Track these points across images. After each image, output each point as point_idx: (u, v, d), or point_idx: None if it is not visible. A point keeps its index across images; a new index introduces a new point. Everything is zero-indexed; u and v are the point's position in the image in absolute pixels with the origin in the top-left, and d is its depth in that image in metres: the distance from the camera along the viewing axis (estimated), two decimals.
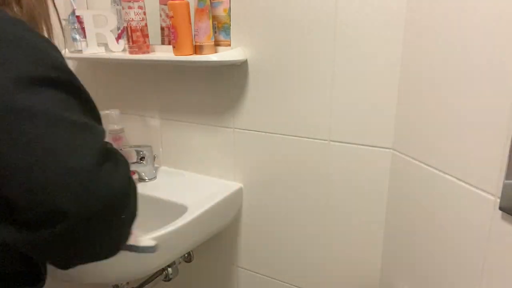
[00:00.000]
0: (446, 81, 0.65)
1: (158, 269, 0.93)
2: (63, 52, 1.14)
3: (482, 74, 0.58)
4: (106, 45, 1.08)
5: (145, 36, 1.02)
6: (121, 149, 1.11)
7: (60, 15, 1.19)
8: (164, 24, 1.04)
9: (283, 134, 0.95)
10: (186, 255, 1.16)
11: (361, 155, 0.86)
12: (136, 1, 0.98)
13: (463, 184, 0.63)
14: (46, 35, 0.64)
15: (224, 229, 1.11)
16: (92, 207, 0.46)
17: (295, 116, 0.92)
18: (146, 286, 1.09)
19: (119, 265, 0.81)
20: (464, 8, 0.60)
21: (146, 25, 1.01)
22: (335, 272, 0.98)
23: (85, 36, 1.08)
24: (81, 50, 1.12)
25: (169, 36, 1.04)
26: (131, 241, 0.67)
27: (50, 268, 0.81)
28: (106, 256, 0.54)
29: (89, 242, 0.49)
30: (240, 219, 1.09)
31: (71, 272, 0.80)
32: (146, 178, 1.10)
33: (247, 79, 0.96)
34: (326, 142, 0.90)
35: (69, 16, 1.11)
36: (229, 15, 0.93)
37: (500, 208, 0.56)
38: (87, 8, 1.16)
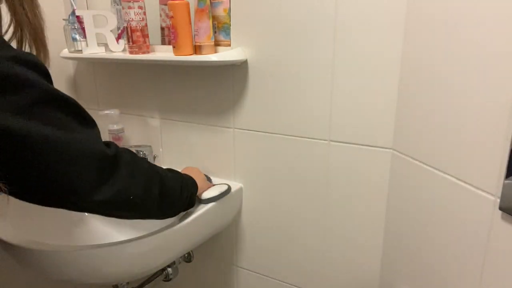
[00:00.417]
0: (446, 81, 0.65)
1: (158, 269, 0.92)
2: (63, 52, 1.15)
3: (482, 74, 0.58)
4: (106, 45, 1.08)
5: (145, 36, 1.02)
6: None
7: (60, 15, 1.19)
8: (164, 24, 1.04)
9: (283, 134, 0.95)
10: (186, 255, 1.16)
11: (361, 155, 0.86)
12: (136, 1, 0.98)
13: (463, 184, 0.63)
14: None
15: (224, 229, 1.11)
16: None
17: (295, 116, 0.92)
18: (146, 286, 1.09)
19: (119, 265, 0.81)
20: (464, 8, 0.60)
21: (146, 25, 1.01)
22: (335, 272, 0.98)
23: (85, 36, 1.08)
24: (81, 50, 1.12)
25: (169, 36, 1.04)
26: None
27: (50, 268, 0.81)
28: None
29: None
30: (240, 219, 1.09)
31: (71, 272, 0.80)
32: None
33: (247, 79, 0.96)
34: (326, 142, 0.90)
35: (69, 16, 1.11)
36: (229, 15, 0.93)
37: (500, 208, 0.56)
38: (87, 8, 1.16)
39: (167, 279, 1.11)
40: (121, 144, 1.13)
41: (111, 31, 1.06)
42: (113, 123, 1.12)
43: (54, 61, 1.22)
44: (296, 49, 0.87)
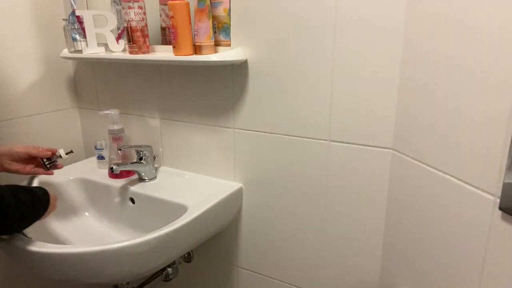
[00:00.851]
0: (446, 81, 0.65)
1: (158, 269, 0.92)
2: (63, 52, 1.15)
3: (482, 74, 0.58)
4: (106, 45, 1.08)
5: (145, 36, 1.02)
6: (120, 149, 1.11)
7: (60, 15, 1.19)
8: (164, 24, 1.04)
9: (283, 134, 0.95)
10: (186, 255, 1.16)
11: (361, 155, 0.86)
12: (136, 1, 0.98)
13: (463, 184, 0.63)
14: None
15: (224, 229, 1.11)
16: None
17: (295, 116, 0.92)
18: (146, 286, 1.09)
19: (119, 265, 0.81)
20: (464, 8, 0.60)
21: (146, 25, 1.01)
22: (335, 271, 0.98)
23: (85, 36, 1.08)
24: (81, 50, 1.12)
25: (169, 36, 1.04)
26: None
27: (50, 268, 0.81)
28: None
29: None
30: (240, 219, 1.09)
31: (71, 272, 0.80)
32: (146, 178, 1.10)
33: (247, 79, 0.96)
34: (326, 142, 0.90)
35: (69, 16, 1.11)
36: (229, 15, 0.93)
37: (500, 208, 0.56)
38: (87, 8, 1.16)
39: (167, 279, 1.11)
40: (121, 144, 1.13)
41: (111, 31, 1.06)
42: (113, 123, 1.12)
43: (54, 61, 1.22)
44: (296, 49, 0.87)
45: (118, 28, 1.08)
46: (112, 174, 1.07)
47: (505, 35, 0.54)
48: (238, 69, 0.96)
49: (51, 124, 1.25)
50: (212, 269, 1.21)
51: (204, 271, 1.23)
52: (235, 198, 1.04)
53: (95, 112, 1.28)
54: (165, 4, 0.99)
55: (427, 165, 0.72)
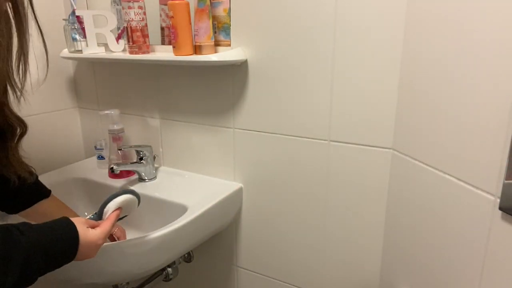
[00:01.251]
0: (446, 80, 0.65)
1: (158, 269, 0.92)
2: (63, 52, 1.15)
3: (482, 74, 0.58)
4: (106, 45, 1.08)
5: (145, 36, 1.02)
6: (120, 149, 1.11)
7: (60, 15, 1.19)
8: (164, 24, 1.04)
9: (283, 134, 0.95)
10: (186, 255, 1.16)
11: (361, 155, 0.86)
12: (136, 1, 0.98)
13: (463, 184, 0.63)
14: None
15: (224, 229, 1.11)
16: None
17: (295, 116, 0.92)
18: (146, 286, 1.09)
19: (119, 265, 0.81)
20: (464, 8, 0.60)
21: (146, 25, 1.01)
22: (335, 271, 0.98)
23: (85, 36, 1.08)
24: (81, 50, 1.12)
25: (169, 36, 1.04)
26: None
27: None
28: None
29: None
30: (240, 219, 1.09)
31: (71, 272, 0.80)
32: (146, 178, 1.10)
33: (247, 79, 0.96)
34: (326, 142, 0.90)
35: (69, 16, 1.11)
36: (229, 15, 0.93)
37: (500, 208, 0.56)
38: (87, 8, 1.16)
39: (167, 279, 1.11)
40: (121, 144, 1.13)
41: (111, 31, 1.06)
42: (113, 123, 1.12)
43: (54, 61, 1.22)
44: (296, 49, 0.87)
45: (118, 28, 1.08)
46: (112, 174, 1.07)
47: (507, 35, 0.54)
48: (238, 69, 0.96)
49: (51, 124, 1.25)
50: (212, 269, 1.21)
51: (204, 271, 1.23)
52: (235, 198, 1.04)
53: (95, 112, 1.28)
54: (165, 4, 0.99)
55: (427, 165, 0.72)
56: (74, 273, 0.80)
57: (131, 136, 1.22)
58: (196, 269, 1.24)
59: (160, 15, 1.04)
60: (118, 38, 1.08)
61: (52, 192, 0.88)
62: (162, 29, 1.05)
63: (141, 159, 1.09)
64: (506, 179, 0.55)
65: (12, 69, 0.60)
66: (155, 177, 1.12)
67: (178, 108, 1.10)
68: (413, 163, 0.76)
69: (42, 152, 1.23)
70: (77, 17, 1.09)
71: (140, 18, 0.99)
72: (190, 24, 0.92)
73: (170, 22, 0.92)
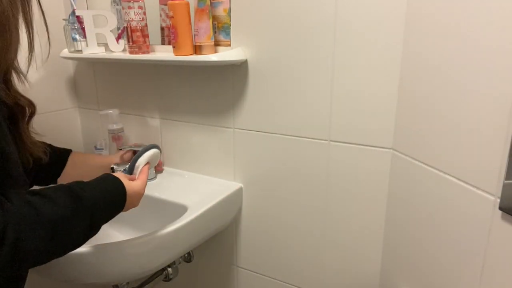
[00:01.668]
0: (446, 81, 0.65)
1: (158, 269, 0.92)
2: (63, 52, 1.15)
3: (482, 74, 0.58)
4: (106, 45, 1.08)
5: (145, 36, 1.02)
6: (120, 149, 1.11)
7: (60, 15, 1.19)
8: (164, 24, 1.04)
9: (283, 134, 0.95)
10: (186, 255, 1.16)
11: (361, 155, 0.86)
12: (136, 1, 0.98)
13: (463, 184, 0.63)
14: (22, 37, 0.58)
15: (224, 229, 1.11)
16: None
17: (295, 116, 0.92)
18: (146, 286, 1.09)
19: (119, 265, 0.81)
20: (464, 8, 0.60)
21: (146, 25, 1.01)
22: (335, 272, 0.98)
23: (85, 36, 1.08)
24: (81, 50, 1.12)
25: (169, 36, 1.04)
26: None
27: (50, 268, 0.81)
28: None
29: None
30: (240, 219, 1.09)
31: (71, 272, 0.80)
32: None
33: (247, 79, 0.96)
34: (326, 142, 0.90)
35: (69, 16, 1.11)
36: (229, 15, 0.93)
37: (500, 208, 0.56)
38: (87, 8, 1.16)
39: (167, 279, 1.11)
40: (121, 144, 1.13)
41: (111, 31, 1.06)
42: (113, 123, 1.12)
43: (54, 61, 1.22)
44: (296, 49, 0.87)
45: (118, 28, 1.08)
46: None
47: (507, 35, 0.54)
48: (238, 69, 0.96)
49: (51, 124, 1.25)
50: (212, 269, 1.21)
51: (204, 271, 1.23)
52: (235, 198, 1.04)
53: (95, 112, 1.28)
54: (165, 4, 0.99)
55: (427, 165, 0.72)
56: (74, 273, 0.80)
57: (131, 136, 1.22)
58: (196, 269, 1.24)
59: (160, 15, 1.04)
60: (118, 38, 1.08)
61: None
62: (162, 29, 1.05)
63: None
64: (506, 179, 0.55)
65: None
66: (155, 177, 1.12)
67: (178, 108, 1.10)
68: (413, 163, 0.76)
69: None
70: (77, 17, 1.09)
71: (140, 18, 0.99)
72: (190, 24, 0.92)
73: (170, 22, 0.92)
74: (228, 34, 0.95)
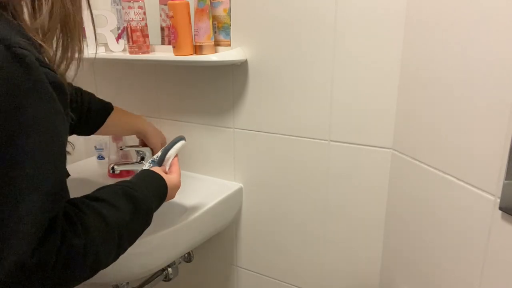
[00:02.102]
0: (446, 81, 0.65)
1: (158, 269, 0.92)
2: None
3: (482, 74, 0.58)
4: (106, 45, 1.08)
5: (145, 36, 1.01)
6: (121, 149, 1.11)
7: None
8: (164, 24, 1.04)
9: (283, 134, 0.95)
10: (186, 255, 1.16)
11: (361, 155, 0.86)
12: (136, 1, 0.98)
13: (463, 184, 0.63)
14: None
15: (224, 229, 1.11)
16: None
17: (295, 116, 0.92)
18: (146, 286, 1.09)
19: (119, 265, 0.81)
20: (464, 8, 0.60)
21: (146, 25, 1.01)
22: (335, 272, 0.98)
23: (85, 36, 1.08)
24: None
25: (169, 36, 1.04)
26: None
27: None
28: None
29: None
30: (240, 219, 1.09)
31: None
32: None
33: (247, 79, 0.96)
34: (326, 142, 0.90)
35: None
36: (229, 15, 0.93)
37: (500, 208, 0.56)
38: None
39: (167, 279, 1.11)
40: (121, 144, 1.13)
41: (111, 31, 1.06)
42: None
43: None
44: (296, 49, 0.87)
45: (118, 28, 1.08)
46: (112, 174, 1.07)
47: (507, 35, 0.54)
48: (238, 69, 0.96)
49: None
50: (212, 269, 1.21)
51: (204, 271, 1.23)
52: (235, 198, 1.04)
53: None
54: (165, 4, 0.99)
55: (427, 165, 0.72)
56: None
57: (131, 136, 1.22)
58: (196, 269, 1.24)
59: (160, 15, 1.04)
60: (118, 38, 1.08)
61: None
62: (162, 29, 1.05)
63: (141, 159, 1.09)
64: (506, 179, 0.55)
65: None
66: None
67: (178, 108, 1.10)
68: (413, 163, 0.76)
69: None
70: None
71: (140, 18, 0.99)
72: (190, 24, 0.92)
73: (170, 22, 0.92)
74: (228, 34, 0.95)
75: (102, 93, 1.24)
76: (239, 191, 1.05)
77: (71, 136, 0.60)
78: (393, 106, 0.80)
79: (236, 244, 1.13)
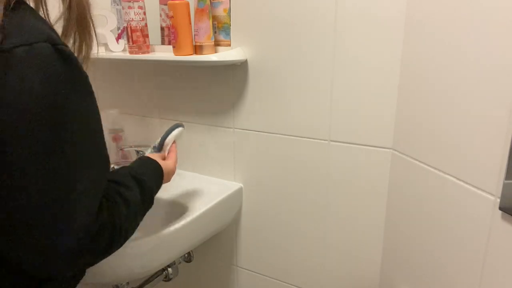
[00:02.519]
0: (446, 81, 0.65)
1: (158, 269, 0.92)
2: None
3: (482, 74, 0.58)
4: (106, 45, 1.08)
5: (145, 36, 1.02)
6: (121, 149, 1.11)
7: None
8: (164, 24, 1.04)
9: (283, 134, 0.95)
10: (186, 255, 1.16)
11: (361, 155, 0.86)
12: (136, 1, 0.98)
13: (463, 184, 0.63)
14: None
15: (224, 229, 1.11)
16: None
17: (295, 116, 0.92)
18: (146, 286, 1.09)
19: (119, 265, 0.81)
20: (463, 8, 0.60)
21: (146, 25, 1.01)
22: (335, 272, 0.98)
23: None
24: None
25: (169, 36, 1.04)
26: None
27: None
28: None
29: None
30: (240, 219, 1.09)
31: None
32: None
33: (247, 79, 0.96)
34: (326, 142, 0.90)
35: None
36: (229, 15, 0.93)
37: (500, 208, 0.56)
38: None
39: (167, 279, 1.11)
40: (121, 144, 1.13)
41: (111, 31, 1.06)
42: (113, 123, 1.12)
43: None
44: (296, 49, 0.87)
45: (118, 28, 1.08)
46: None
47: (507, 35, 0.54)
48: (238, 69, 0.96)
49: None
50: (212, 269, 1.21)
51: (204, 271, 1.23)
52: (235, 198, 1.04)
53: None
54: (165, 4, 0.99)
55: (427, 165, 0.72)
56: None
57: (131, 136, 1.22)
58: (196, 269, 1.24)
59: (160, 15, 1.04)
60: (118, 38, 1.08)
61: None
62: (162, 29, 1.05)
63: None
64: (506, 179, 0.55)
65: None
66: None
67: (178, 108, 1.10)
68: (413, 163, 0.76)
69: None
70: None
71: (140, 18, 0.99)
72: (190, 24, 0.92)
73: (170, 22, 0.92)
74: (228, 34, 0.95)
75: (102, 93, 1.24)
76: (239, 191, 1.05)
77: None
78: (393, 106, 0.80)
79: (236, 244, 1.13)
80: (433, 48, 0.67)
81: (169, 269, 1.10)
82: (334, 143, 0.89)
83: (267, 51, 0.91)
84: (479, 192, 0.60)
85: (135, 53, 1.01)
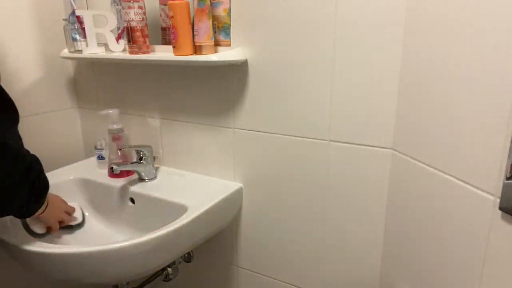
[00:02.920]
0: (446, 81, 0.65)
1: (158, 269, 0.92)
2: (63, 52, 1.15)
3: (482, 74, 0.58)
4: (106, 45, 1.08)
5: (145, 36, 1.02)
6: (121, 149, 1.11)
7: (60, 15, 1.19)
8: (164, 24, 1.04)
9: (283, 134, 0.95)
10: (186, 255, 1.16)
11: (361, 155, 0.86)
12: (136, 1, 0.98)
13: (463, 184, 0.63)
14: None
15: (224, 229, 1.11)
16: None
17: (295, 116, 0.92)
18: (146, 286, 1.09)
19: (120, 265, 0.81)
20: (463, 8, 0.60)
21: (146, 25, 1.01)
22: (335, 271, 0.98)
23: (85, 36, 1.08)
24: (81, 50, 1.12)
25: (169, 36, 1.04)
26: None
27: (50, 268, 0.81)
28: None
29: None
30: (240, 219, 1.09)
31: (71, 272, 0.80)
32: (146, 178, 1.10)
33: (247, 79, 0.96)
34: (326, 142, 0.90)
35: (69, 16, 1.11)
36: (229, 15, 0.93)
37: (500, 208, 0.56)
38: (87, 8, 1.16)
39: (167, 279, 1.11)
40: (121, 144, 1.13)
41: (111, 31, 1.06)
42: (113, 123, 1.12)
43: (54, 61, 1.22)
44: (296, 49, 0.87)
45: (118, 28, 1.08)
46: (112, 174, 1.07)
47: (507, 34, 0.54)
48: (238, 69, 0.96)
49: (51, 124, 1.25)
50: (212, 269, 1.21)
51: (204, 271, 1.23)
52: (235, 198, 1.04)
53: (95, 112, 1.28)
54: (165, 4, 0.99)
55: (427, 165, 0.72)
56: (74, 273, 0.80)
57: (131, 136, 1.22)
58: (196, 269, 1.24)
59: (160, 15, 1.04)
60: (118, 38, 1.08)
61: (53, 193, 0.89)
62: (162, 29, 1.05)
63: (141, 159, 1.09)
64: (506, 179, 0.55)
65: None
66: (155, 177, 1.12)
67: (178, 108, 1.10)
68: (413, 163, 0.76)
69: (42, 152, 1.23)
70: (77, 17, 1.09)
71: (140, 18, 0.99)
72: (190, 24, 0.92)
73: (170, 22, 0.92)
74: (228, 34, 0.95)
75: (102, 93, 1.25)
76: (239, 191, 1.05)
77: None
78: (393, 106, 0.80)
79: (236, 244, 1.13)
80: (433, 48, 0.67)
81: (169, 269, 1.11)
82: (334, 143, 0.89)
83: (267, 51, 0.91)
84: (479, 192, 0.60)
85: (135, 53, 1.01)
